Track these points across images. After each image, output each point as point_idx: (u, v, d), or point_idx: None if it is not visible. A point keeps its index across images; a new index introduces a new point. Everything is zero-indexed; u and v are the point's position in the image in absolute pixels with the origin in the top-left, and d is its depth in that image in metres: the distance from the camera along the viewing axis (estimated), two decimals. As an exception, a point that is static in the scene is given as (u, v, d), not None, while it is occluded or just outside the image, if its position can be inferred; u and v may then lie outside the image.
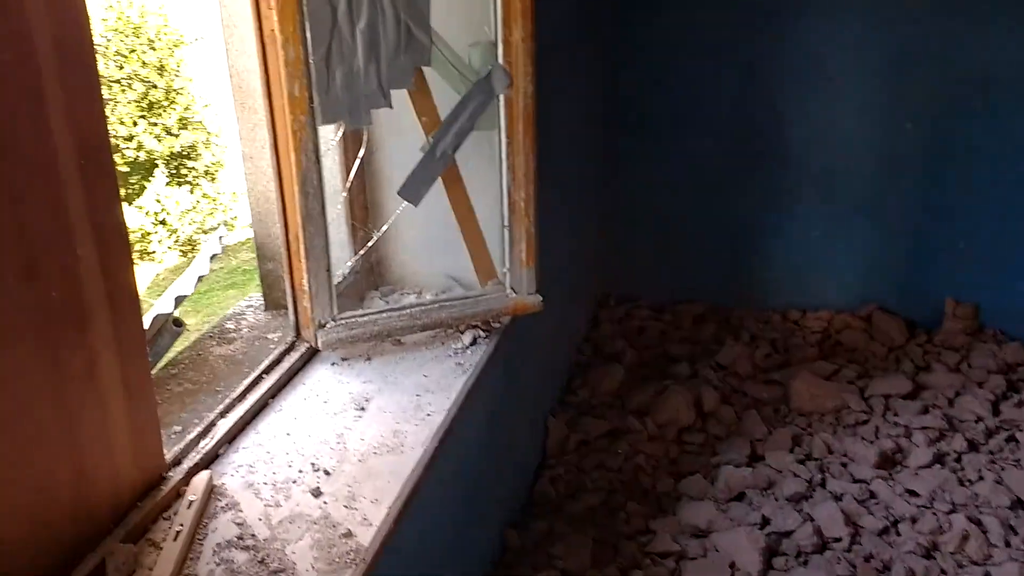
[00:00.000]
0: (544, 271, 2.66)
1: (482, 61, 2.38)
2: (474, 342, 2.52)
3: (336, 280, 2.64)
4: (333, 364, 2.41)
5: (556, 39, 2.95)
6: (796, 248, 4.64)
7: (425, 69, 2.33)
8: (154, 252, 13.35)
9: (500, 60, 2.36)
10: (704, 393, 3.84)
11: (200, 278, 2.65)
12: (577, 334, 4.29)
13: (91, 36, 1.57)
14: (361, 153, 2.47)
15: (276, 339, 2.64)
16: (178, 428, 2.16)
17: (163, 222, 13.45)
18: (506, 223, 2.52)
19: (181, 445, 1.95)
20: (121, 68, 14.02)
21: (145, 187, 13.76)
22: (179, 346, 2.63)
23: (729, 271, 4.76)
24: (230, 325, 2.79)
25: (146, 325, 2.31)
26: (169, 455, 1.91)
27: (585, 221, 4.29)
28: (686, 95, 4.48)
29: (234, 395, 2.19)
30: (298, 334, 2.44)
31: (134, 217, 13.04)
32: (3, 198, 1.36)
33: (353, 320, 2.40)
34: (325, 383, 2.33)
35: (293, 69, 2.12)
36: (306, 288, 2.32)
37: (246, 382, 2.24)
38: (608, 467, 3.41)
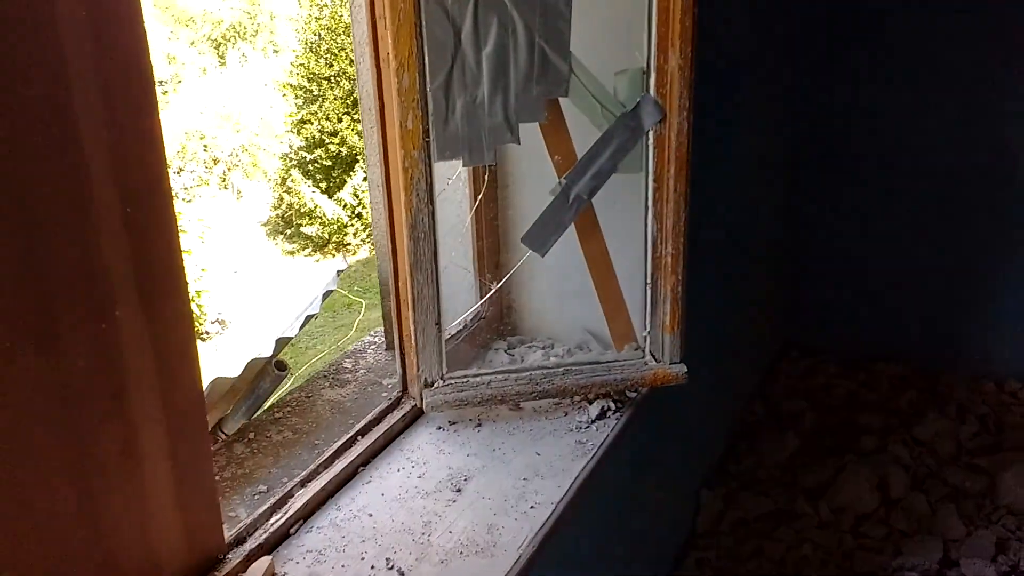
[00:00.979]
0: (698, 329, 2.27)
1: (629, 92, 2.02)
2: (602, 415, 2.17)
3: (457, 327, 2.38)
4: (439, 428, 2.14)
5: (729, 65, 2.54)
6: (1021, 306, 3.92)
7: (561, 100, 2.01)
8: (349, 244, 13.81)
9: (651, 91, 2.00)
10: (892, 475, 3.28)
11: (326, 294, 2.46)
12: (746, 390, 3.82)
13: (149, 73, 1.36)
14: (482, 194, 2.18)
15: (390, 386, 2.41)
16: (263, 488, 1.97)
17: (359, 215, 13.89)
18: (648, 280, 2.16)
19: (248, 520, 1.74)
20: (331, 66, 14.60)
21: (346, 181, 14.28)
22: (292, 384, 2.46)
23: (938, 328, 4.10)
24: (348, 364, 2.59)
25: (233, 373, 2.14)
26: (232, 532, 1.70)
27: (759, 264, 3.81)
28: (897, 126, 3.89)
29: (321, 459, 1.97)
30: (404, 389, 2.19)
31: (333, 209, 13.55)
32: (15, 254, 1.17)
33: (464, 380, 2.12)
34: (424, 452, 2.06)
35: (407, 98, 1.87)
36: (413, 342, 2.06)
37: (337, 444, 2.01)
38: (768, 556, 2.95)
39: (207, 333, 10.85)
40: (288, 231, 13.68)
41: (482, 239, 2.32)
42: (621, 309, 2.20)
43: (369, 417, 2.11)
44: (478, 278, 2.31)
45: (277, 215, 13.97)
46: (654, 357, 2.22)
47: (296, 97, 13.81)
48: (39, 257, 1.21)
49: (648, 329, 2.20)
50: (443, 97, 1.91)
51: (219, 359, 10.31)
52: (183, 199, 15.77)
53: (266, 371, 2.20)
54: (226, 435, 2.30)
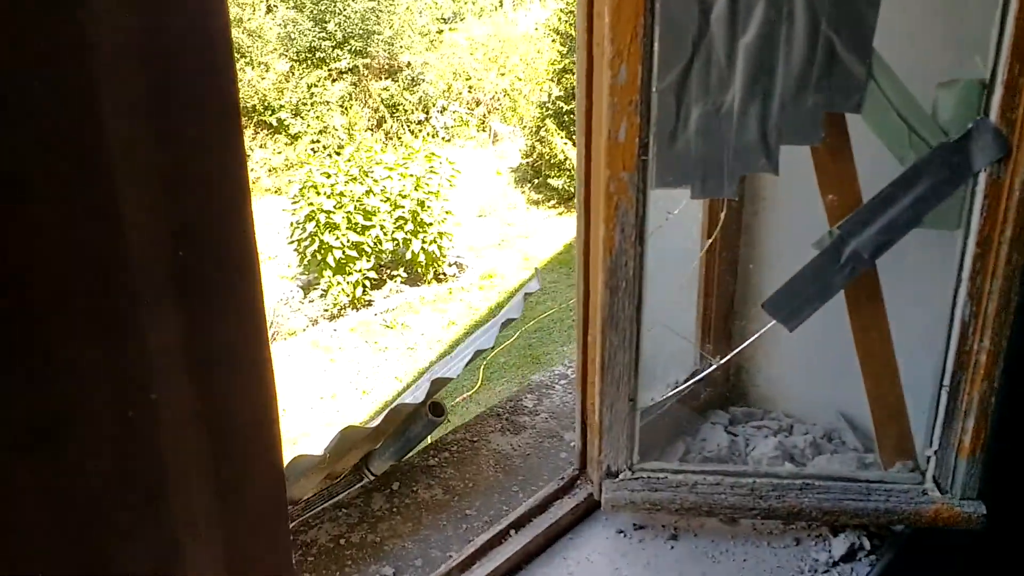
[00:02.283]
0: (1009, 456, 1.59)
1: (956, 113, 1.36)
2: (851, 555, 1.56)
3: (667, 389, 1.83)
4: (619, 533, 1.63)
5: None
6: None
7: (848, 117, 1.39)
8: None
9: (992, 116, 1.33)
10: None
11: (509, 321, 2.01)
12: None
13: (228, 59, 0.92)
14: (714, 237, 1.60)
15: (571, 444, 1.93)
16: (388, 573, 1.57)
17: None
18: (946, 382, 1.50)
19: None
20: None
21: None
22: (457, 419, 2.04)
23: None
24: (528, 401, 2.13)
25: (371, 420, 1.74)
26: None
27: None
28: None
29: (459, 558, 1.53)
30: (581, 469, 1.70)
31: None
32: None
33: (660, 477, 1.59)
34: (596, 566, 1.56)
35: (621, 100, 1.33)
36: (597, 417, 1.56)
37: (484, 538, 1.56)
38: None
39: (444, 274, 10.93)
40: (536, 181, 13.48)
41: (709, 294, 1.75)
42: (897, 414, 1.56)
43: (532, 503, 1.63)
44: (698, 341, 1.75)
45: (527, 163, 13.80)
46: (938, 486, 1.56)
47: (561, 44, 13.45)
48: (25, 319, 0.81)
49: (935, 447, 1.55)
50: (673, 101, 1.35)
51: (458, 303, 10.37)
52: (442, 138, 16.04)
53: (419, 414, 1.80)
54: (373, 474, 1.93)
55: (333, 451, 1.59)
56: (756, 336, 1.59)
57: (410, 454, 1.90)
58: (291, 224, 10.17)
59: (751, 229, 1.77)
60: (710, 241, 1.61)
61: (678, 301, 1.71)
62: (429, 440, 2.01)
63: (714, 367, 1.65)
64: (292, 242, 10.33)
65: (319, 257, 9.91)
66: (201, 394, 0.97)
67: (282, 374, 8.84)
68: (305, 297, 10.41)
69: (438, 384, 1.76)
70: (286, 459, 2.04)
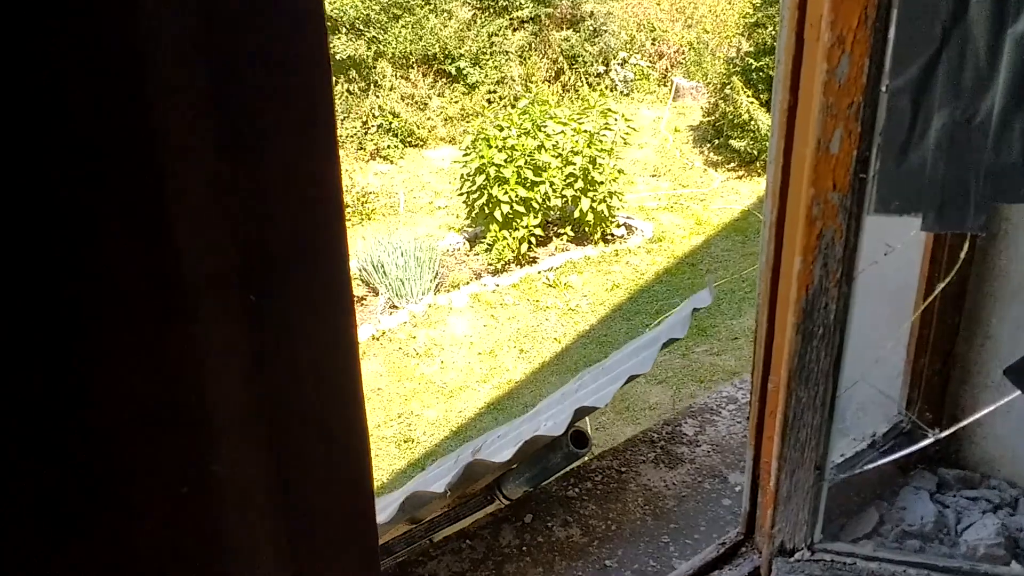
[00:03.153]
0: None
1: None
2: None
3: (860, 443, 1.52)
4: (786, 618, 1.35)
5: None
6: None
7: None
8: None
9: None
10: None
11: (669, 342, 1.75)
12: None
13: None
14: (945, 283, 1.27)
15: (736, 488, 1.66)
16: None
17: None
18: None
19: None
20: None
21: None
22: (606, 441, 1.80)
23: None
24: (688, 427, 1.86)
25: (533, 432, 1.53)
26: None
27: None
28: None
29: (591, 629, 1.30)
30: (747, 535, 1.42)
31: (768, 125, 12.38)
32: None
33: (846, 562, 1.29)
34: (754, 659, 1.29)
35: (838, 101, 1.03)
36: (772, 483, 1.28)
37: (621, 608, 1.33)
38: None
39: (611, 235, 10.62)
40: (716, 141, 12.83)
41: (923, 343, 1.41)
42: None
43: (686, 570, 1.38)
44: (905, 395, 1.42)
45: (708, 122, 13.16)
46: None
47: (755, -4, 12.66)
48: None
49: None
50: (909, 106, 1.03)
51: (621, 267, 10.08)
52: (621, 92, 15.56)
53: (559, 444, 1.57)
54: (505, 498, 1.74)
55: (456, 485, 1.40)
56: (991, 408, 1.25)
57: (543, 483, 1.68)
58: (462, 176, 10.13)
59: (986, 259, 1.41)
60: (940, 287, 1.27)
61: (887, 355, 1.39)
62: (572, 466, 1.79)
63: (930, 440, 1.32)
64: (461, 194, 10.31)
65: (487, 211, 9.83)
66: (275, 467, 0.78)
67: (443, 327, 8.88)
68: (471, 250, 10.40)
69: (581, 413, 1.53)
70: (411, 486, 1.87)
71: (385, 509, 1.43)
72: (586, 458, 1.70)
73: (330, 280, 0.79)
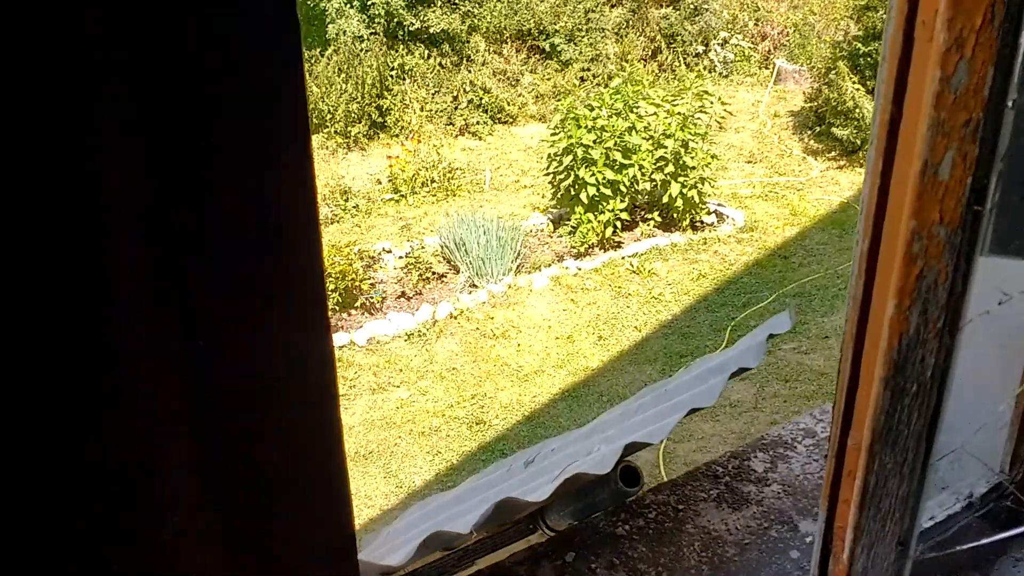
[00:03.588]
0: None
1: None
2: None
3: (953, 503, 1.32)
4: None
5: None
6: None
7: None
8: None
9: None
10: None
11: (739, 371, 1.57)
12: None
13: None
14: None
15: (807, 539, 1.47)
16: None
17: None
18: None
19: None
20: None
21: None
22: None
23: None
24: (758, 462, 1.67)
25: (576, 469, 1.38)
26: None
27: None
28: None
29: None
30: (815, 605, 1.24)
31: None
32: None
33: (928, 652, 1.10)
34: None
35: (952, 116, 0.84)
36: (845, 554, 1.10)
37: None
38: None
39: (701, 223, 10.29)
40: (817, 128, 12.28)
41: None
42: None
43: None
44: (1010, 460, 1.21)
45: (810, 108, 12.60)
46: None
47: (868, -24, 12.03)
48: None
49: None
50: (1045, 126, 0.83)
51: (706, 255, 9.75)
52: (720, 73, 15.07)
53: (607, 481, 1.41)
54: (548, 529, 1.59)
55: (483, 525, 1.26)
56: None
57: (588, 517, 1.53)
58: (549, 155, 9.95)
59: None
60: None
61: (988, 409, 1.18)
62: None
63: (1042, 524, 1.11)
64: (548, 174, 10.13)
65: (573, 192, 9.64)
66: (225, 529, 0.66)
67: (522, 308, 8.76)
68: (554, 231, 10.23)
69: (632, 448, 1.37)
70: (434, 525, 1.73)
71: (402, 548, 1.30)
72: (639, 492, 1.54)
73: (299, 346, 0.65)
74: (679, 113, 10.05)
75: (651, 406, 1.64)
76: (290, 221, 0.59)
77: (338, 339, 7.99)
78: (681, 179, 9.85)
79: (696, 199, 10.04)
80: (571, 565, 1.45)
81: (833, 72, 11.85)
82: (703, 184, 10.08)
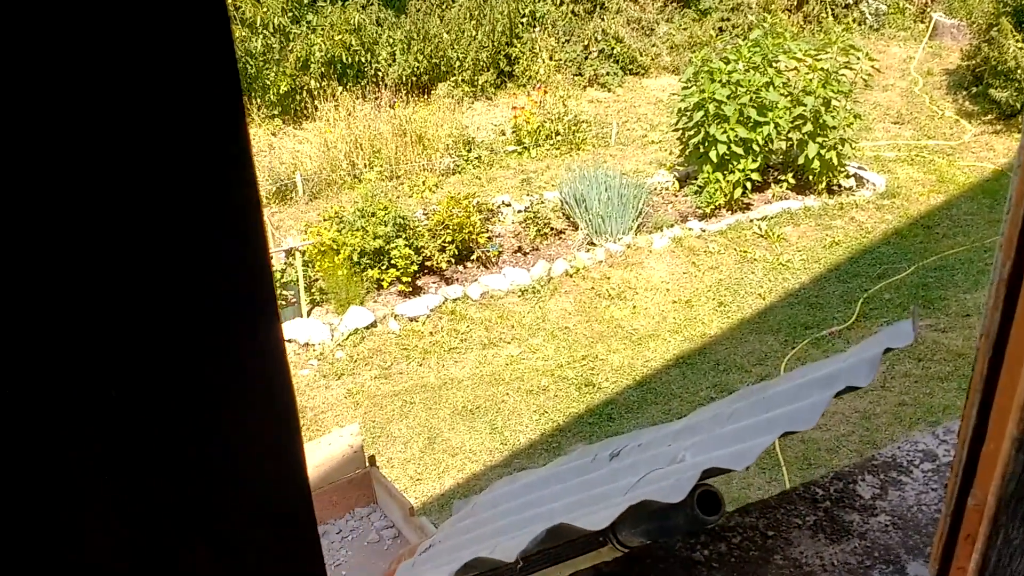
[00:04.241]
0: None
1: None
2: None
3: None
4: None
5: None
6: None
7: None
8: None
9: None
10: None
11: (847, 389, 1.37)
12: None
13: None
14: None
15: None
16: None
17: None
18: None
19: None
20: None
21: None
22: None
23: None
24: (864, 488, 1.47)
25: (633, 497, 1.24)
26: None
27: None
28: None
29: None
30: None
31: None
32: None
33: None
34: None
35: None
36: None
37: None
38: None
39: (838, 186, 9.67)
40: (974, 89, 11.34)
41: None
42: None
43: None
44: None
45: (967, 66, 11.62)
46: None
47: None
48: None
49: None
50: None
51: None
52: (870, 26, 14.13)
53: (684, 506, 1.26)
54: (619, 544, 1.45)
55: (532, 553, 1.13)
56: None
57: (662, 539, 1.38)
58: (679, 110, 9.57)
59: None
60: None
61: None
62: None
63: None
64: (677, 129, 9.77)
65: (702, 150, 9.26)
66: None
67: (640, 269, 8.53)
68: (680, 190, 9.88)
69: (713, 474, 1.21)
70: (476, 549, 1.61)
71: (442, 567, 1.19)
72: (719, 520, 1.37)
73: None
74: (822, 69, 9.47)
75: (745, 415, 1.47)
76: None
77: (452, 292, 7.99)
78: (820, 139, 9.31)
79: (834, 161, 9.48)
80: (640, 589, 1.31)
81: (995, 29, 10.88)
82: (843, 145, 9.50)
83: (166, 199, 0.44)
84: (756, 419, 1.39)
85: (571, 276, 8.35)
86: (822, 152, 9.35)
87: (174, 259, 0.45)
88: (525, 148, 10.87)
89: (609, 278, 8.38)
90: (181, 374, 0.48)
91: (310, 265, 7.93)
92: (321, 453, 4.34)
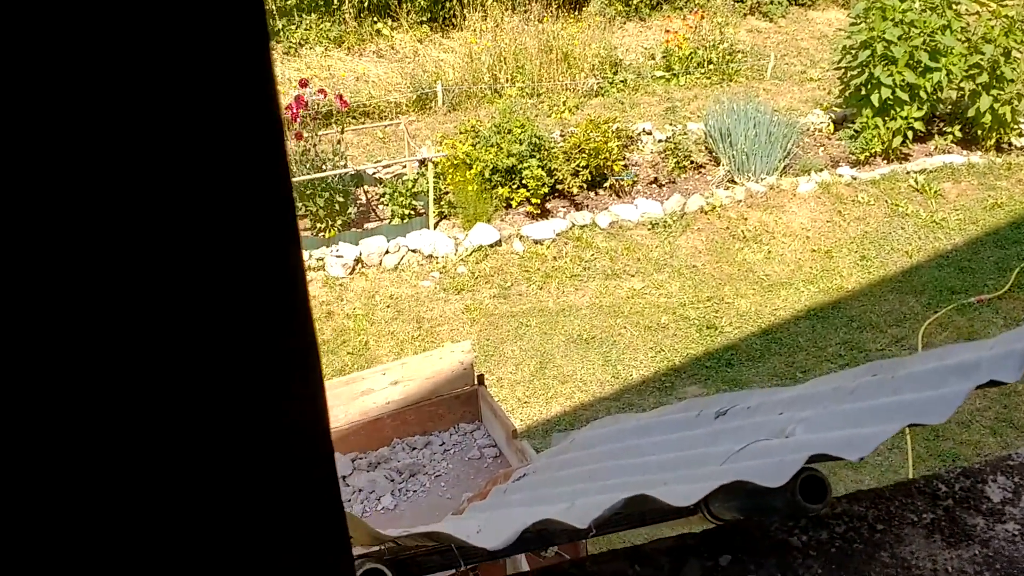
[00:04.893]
0: None
1: None
2: None
3: None
4: None
5: None
6: None
7: None
8: None
9: None
10: None
11: (990, 384, 1.21)
12: None
13: None
14: None
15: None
16: None
17: None
18: None
19: None
20: None
21: None
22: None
23: None
24: (993, 489, 1.31)
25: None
26: None
27: None
28: None
29: None
30: None
31: None
32: None
33: None
34: None
35: None
36: None
37: None
38: None
39: (1009, 144, 8.89)
40: None
41: None
42: None
43: None
44: None
45: None
46: None
47: None
48: None
49: None
50: None
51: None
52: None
53: (785, 489, 1.14)
54: (711, 516, 1.35)
55: (605, 521, 1.04)
56: None
57: (756, 516, 1.26)
58: (843, 47, 8.95)
59: None
60: None
61: None
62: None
63: None
64: (839, 68, 9.16)
65: (863, 92, 8.66)
66: None
67: (780, 213, 8.14)
68: (834, 133, 9.32)
69: (822, 458, 1.08)
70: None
71: (500, 533, 1.11)
72: (822, 510, 1.25)
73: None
74: (1007, 16, 8.63)
75: (869, 394, 1.32)
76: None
77: (580, 218, 7.85)
78: (995, 91, 8.54)
79: (1008, 117, 8.71)
80: (724, 569, 1.21)
81: None
82: (1020, 101, 8.70)
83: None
84: (880, 402, 1.24)
85: (706, 213, 8.06)
86: (996, 106, 8.60)
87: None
88: (674, 75, 10.46)
89: (746, 219, 8.04)
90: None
91: (442, 177, 7.93)
92: (431, 366, 4.37)
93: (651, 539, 1.25)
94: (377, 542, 1.77)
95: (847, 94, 9.06)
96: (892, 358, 1.52)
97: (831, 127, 9.38)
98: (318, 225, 7.60)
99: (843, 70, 9.06)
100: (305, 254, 7.33)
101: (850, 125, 9.11)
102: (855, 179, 8.55)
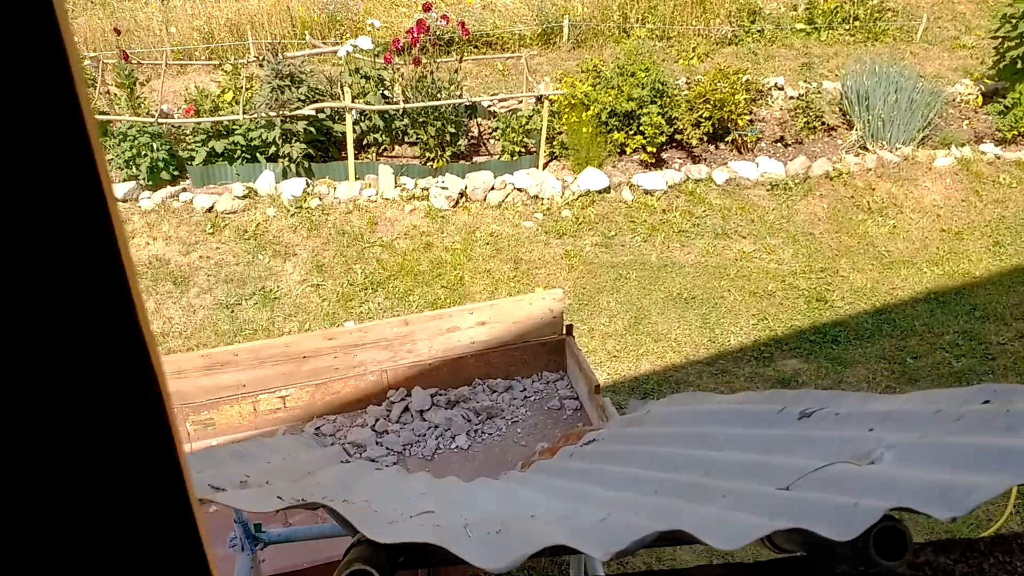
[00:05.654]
0: None
1: None
2: None
3: None
4: None
5: None
6: None
7: None
8: None
9: None
10: None
11: None
12: None
13: None
14: None
15: None
16: None
17: None
18: None
19: None
20: None
21: None
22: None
23: None
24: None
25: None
26: None
27: None
28: None
29: None
30: None
31: None
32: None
33: None
34: None
35: None
36: None
37: None
38: None
39: None
40: None
41: None
42: None
43: None
44: None
45: None
46: None
47: None
48: None
49: None
50: None
51: None
52: None
53: (857, 539, 0.98)
54: (772, 545, 1.20)
55: (625, 552, 0.91)
56: None
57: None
58: (1003, 15, 8.23)
59: None
60: None
61: None
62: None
63: None
64: (996, 37, 8.44)
65: (1019, 65, 7.96)
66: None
67: (911, 187, 7.62)
68: (982, 106, 8.63)
69: (904, 510, 0.91)
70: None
71: (501, 555, 0.99)
72: (899, 568, 1.08)
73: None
74: None
75: (978, 427, 1.14)
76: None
77: (696, 172, 7.54)
78: None
79: None
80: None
81: None
82: None
83: None
84: (989, 441, 1.06)
85: (831, 179, 7.62)
86: None
87: None
88: (815, 28, 9.86)
89: (874, 189, 7.57)
90: None
91: (556, 117, 7.72)
92: (521, 310, 4.28)
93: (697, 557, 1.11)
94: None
95: (1001, 66, 8.36)
96: (1010, 384, 1.32)
97: (979, 100, 8.69)
98: (427, 154, 7.54)
99: (1000, 40, 8.34)
100: (410, 182, 7.28)
101: (1000, 99, 8.42)
102: (999, 158, 7.92)
